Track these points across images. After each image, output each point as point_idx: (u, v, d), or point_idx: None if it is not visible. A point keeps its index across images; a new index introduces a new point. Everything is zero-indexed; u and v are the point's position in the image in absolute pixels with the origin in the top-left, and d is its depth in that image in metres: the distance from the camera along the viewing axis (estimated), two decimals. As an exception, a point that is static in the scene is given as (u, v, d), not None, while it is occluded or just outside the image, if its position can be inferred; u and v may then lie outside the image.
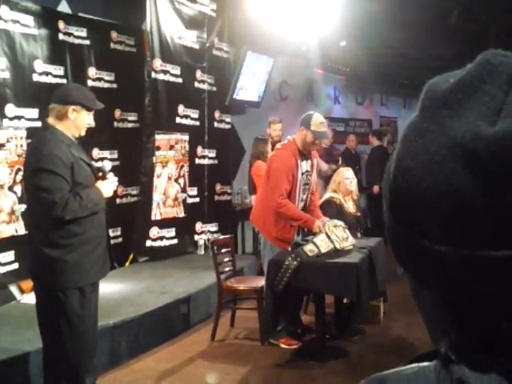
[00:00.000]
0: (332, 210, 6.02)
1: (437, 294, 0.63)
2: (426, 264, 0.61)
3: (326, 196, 6.20)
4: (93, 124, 4.07)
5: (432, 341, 0.68)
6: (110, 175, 4.04)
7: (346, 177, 6.26)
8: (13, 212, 5.92)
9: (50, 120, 3.84)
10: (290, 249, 5.66)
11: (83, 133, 3.97)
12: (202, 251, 8.31)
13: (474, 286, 0.59)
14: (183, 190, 8.13)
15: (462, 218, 0.57)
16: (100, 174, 4.00)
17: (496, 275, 0.57)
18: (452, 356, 0.62)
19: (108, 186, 3.97)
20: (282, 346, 5.59)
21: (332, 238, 5.24)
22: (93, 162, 4.33)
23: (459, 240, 0.57)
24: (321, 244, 5.18)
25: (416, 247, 0.61)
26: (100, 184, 3.92)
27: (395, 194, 0.63)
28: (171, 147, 7.89)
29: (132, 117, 7.88)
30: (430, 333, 0.68)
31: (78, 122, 3.86)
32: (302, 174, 5.57)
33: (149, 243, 7.69)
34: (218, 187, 8.87)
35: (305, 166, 5.62)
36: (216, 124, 8.80)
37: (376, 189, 9.54)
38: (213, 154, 8.71)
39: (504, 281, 0.57)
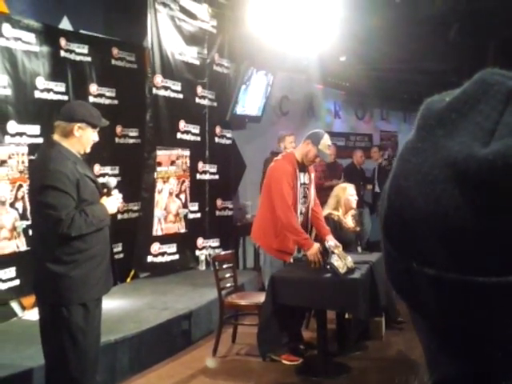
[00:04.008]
0: (330, 226, 6.00)
1: (427, 320, 0.61)
2: (415, 288, 0.59)
3: (325, 213, 6.17)
4: (97, 140, 4.08)
5: (427, 369, 0.66)
6: (115, 192, 4.05)
7: (351, 193, 6.27)
8: (14, 228, 5.92)
9: (56, 137, 3.86)
10: (291, 260, 5.67)
11: (88, 150, 3.99)
12: (203, 267, 8.30)
13: (461, 313, 0.57)
14: (184, 206, 8.13)
15: (451, 241, 0.55)
16: (105, 190, 4.02)
17: (484, 302, 0.55)
18: None
19: (113, 203, 3.98)
20: (284, 362, 5.57)
21: (341, 258, 5.17)
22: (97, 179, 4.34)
23: (447, 264, 0.56)
24: (339, 265, 5.11)
25: (406, 270, 0.59)
26: (105, 200, 3.93)
27: (388, 213, 0.61)
28: (172, 163, 7.90)
29: (133, 133, 7.90)
30: (425, 360, 0.66)
31: (84, 139, 3.88)
32: (301, 185, 5.63)
33: (150, 259, 7.68)
34: (219, 202, 8.87)
35: (303, 177, 5.68)
36: (217, 139, 8.82)
37: None
38: (214, 169, 8.72)
39: (491, 308, 0.55)
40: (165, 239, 7.83)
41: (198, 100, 8.39)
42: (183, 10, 8.03)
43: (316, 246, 5.39)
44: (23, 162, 6.02)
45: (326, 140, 5.67)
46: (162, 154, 7.72)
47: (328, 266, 5.10)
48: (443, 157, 0.56)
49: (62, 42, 6.69)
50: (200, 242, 8.46)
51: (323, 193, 7.00)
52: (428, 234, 0.56)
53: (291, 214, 5.46)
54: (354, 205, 6.30)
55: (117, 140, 7.66)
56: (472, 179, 0.54)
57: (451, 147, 0.56)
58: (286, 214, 5.44)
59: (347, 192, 6.27)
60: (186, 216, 8.15)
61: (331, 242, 5.43)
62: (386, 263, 0.64)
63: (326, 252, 5.29)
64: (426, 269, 0.57)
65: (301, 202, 5.66)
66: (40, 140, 6.07)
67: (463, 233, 0.54)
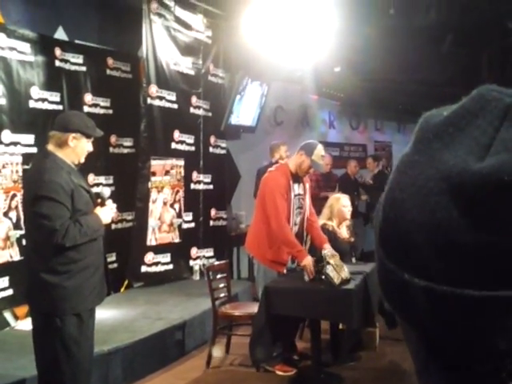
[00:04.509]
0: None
1: (417, 331, 0.61)
2: (407, 299, 0.59)
3: (320, 223, 6.15)
4: (92, 150, 4.08)
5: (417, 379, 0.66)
6: (109, 202, 4.05)
7: (345, 204, 6.25)
8: (8, 238, 5.90)
9: (50, 147, 3.86)
10: (285, 271, 5.66)
11: (83, 160, 4.00)
12: (197, 277, 8.28)
13: (451, 325, 0.57)
14: (178, 216, 8.13)
15: (444, 253, 0.55)
16: (99, 200, 4.02)
17: (473, 315, 0.55)
18: None
19: (107, 213, 3.99)
20: (278, 372, 5.56)
21: (335, 269, 5.16)
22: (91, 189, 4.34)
23: (439, 275, 0.56)
24: (334, 276, 5.10)
25: (399, 281, 0.59)
26: (99, 211, 3.93)
27: (382, 225, 0.61)
28: (167, 172, 7.90)
29: (128, 142, 7.90)
30: (415, 370, 0.66)
31: (78, 149, 3.89)
32: (295, 196, 5.62)
33: (144, 269, 7.66)
34: (214, 212, 8.87)
35: (297, 188, 5.68)
36: (211, 149, 8.82)
37: None
38: (208, 179, 8.72)
39: (481, 321, 0.55)
40: (159, 249, 7.82)
41: (192, 110, 8.40)
42: (178, 21, 8.05)
43: (308, 258, 5.38)
44: (17, 172, 6.01)
45: (320, 150, 5.67)
46: (156, 164, 7.72)
47: (323, 277, 5.09)
48: (439, 170, 0.56)
49: (57, 51, 6.70)
50: (194, 251, 8.45)
51: (318, 203, 7.00)
52: (421, 246, 0.56)
53: (285, 227, 5.45)
54: (348, 215, 6.29)
55: (111, 150, 7.66)
56: (466, 193, 0.54)
57: (447, 160, 0.56)
58: (280, 227, 5.44)
59: (340, 202, 6.26)
60: (180, 226, 8.15)
61: (328, 251, 5.41)
62: (379, 274, 0.64)
63: (321, 261, 5.26)
64: (418, 280, 0.57)
65: (295, 212, 5.65)
66: (34, 150, 6.07)
67: (456, 245, 0.54)
